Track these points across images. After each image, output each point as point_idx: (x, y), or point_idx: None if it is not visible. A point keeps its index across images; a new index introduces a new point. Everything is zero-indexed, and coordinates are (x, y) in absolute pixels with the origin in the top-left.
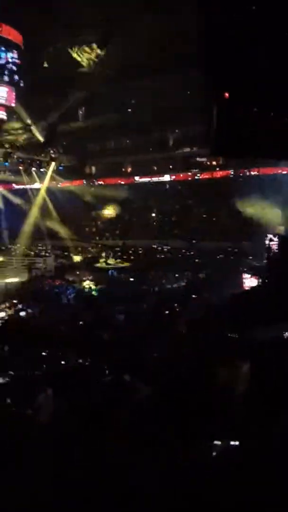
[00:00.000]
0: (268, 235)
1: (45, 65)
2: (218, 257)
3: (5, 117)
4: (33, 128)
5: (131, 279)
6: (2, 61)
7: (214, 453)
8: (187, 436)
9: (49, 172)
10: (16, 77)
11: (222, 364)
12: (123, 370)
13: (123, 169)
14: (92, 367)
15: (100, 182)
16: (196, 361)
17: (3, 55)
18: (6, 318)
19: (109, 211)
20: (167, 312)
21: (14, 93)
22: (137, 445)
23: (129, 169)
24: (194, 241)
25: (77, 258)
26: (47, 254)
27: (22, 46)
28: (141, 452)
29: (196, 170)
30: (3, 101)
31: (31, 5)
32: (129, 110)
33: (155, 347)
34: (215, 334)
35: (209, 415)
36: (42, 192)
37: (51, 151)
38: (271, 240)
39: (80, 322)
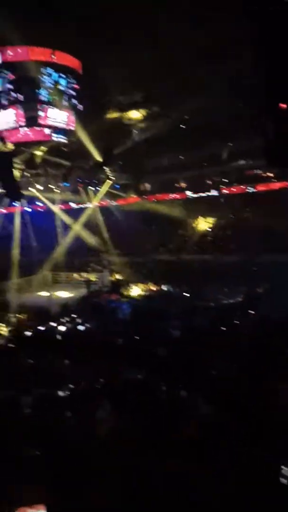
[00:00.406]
0: None
1: (100, 88)
2: (277, 271)
3: (65, 140)
4: (91, 148)
5: (186, 294)
6: (61, 87)
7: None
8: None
9: (103, 191)
10: (74, 101)
11: (284, 383)
12: (179, 386)
13: (177, 185)
14: (149, 382)
15: (154, 199)
16: (256, 379)
17: (62, 82)
18: (66, 331)
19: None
20: (223, 328)
21: (73, 117)
22: (196, 462)
23: (183, 185)
24: (251, 255)
25: (130, 275)
26: (103, 270)
27: (80, 71)
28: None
29: (252, 183)
30: (63, 125)
31: (85, 31)
32: (183, 126)
33: (213, 364)
34: (276, 351)
35: (270, 435)
36: (96, 210)
37: (108, 170)
38: None
39: (136, 337)
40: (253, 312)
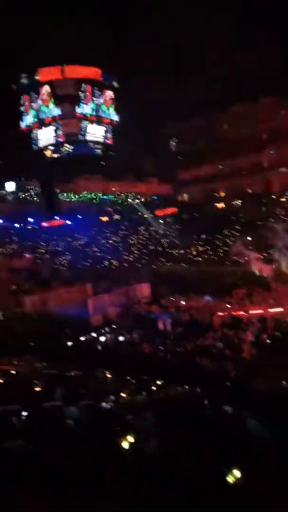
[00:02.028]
0: None
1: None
2: None
3: (102, 153)
4: (128, 161)
5: (228, 305)
6: (98, 103)
7: None
8: None
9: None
10: (113, 115)
11: None
12: (227, 401)
13: (216, 194)
14: (194, 397)
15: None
16: None
17: (99, 97)
18: (106, 342)
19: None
20: (269, 341)
21: (110, 131)
22: None
23: (223, 194)
24: None
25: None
26: (143, 281)
27: (100, 79)
28: None
29: None
30: (101, 139)
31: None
32: (219, 136)
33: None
34: None
35: None
36: (135, 221)
37: (145, 183)
38: None
39: (178, 349)
40: None
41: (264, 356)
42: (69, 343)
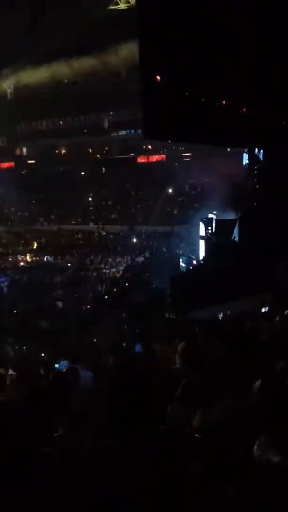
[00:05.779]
0: (203, 219)
1: None
2: (156, 241)
3: None
4: None
5: (68, 264)
6: None
7: None
8: None
9: None
10: None
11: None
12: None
13: (57, 151)
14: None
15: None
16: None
17: None
18: None
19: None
20: (106, 297)
21: None
22: None
23: (64, 151)
24: (132, 225)
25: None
26: None
27: None
28: None
29: (132, 154)
30: None
31: None
32: (62, 90)
33: (99, 332)
34: (156, 316)
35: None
36: None
37: None
38: (205, 223)
39: (15, 311)
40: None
41: (103, 311)
42: None
